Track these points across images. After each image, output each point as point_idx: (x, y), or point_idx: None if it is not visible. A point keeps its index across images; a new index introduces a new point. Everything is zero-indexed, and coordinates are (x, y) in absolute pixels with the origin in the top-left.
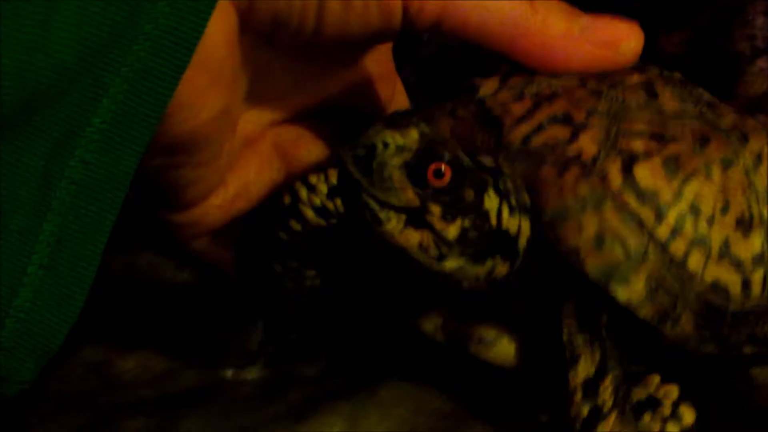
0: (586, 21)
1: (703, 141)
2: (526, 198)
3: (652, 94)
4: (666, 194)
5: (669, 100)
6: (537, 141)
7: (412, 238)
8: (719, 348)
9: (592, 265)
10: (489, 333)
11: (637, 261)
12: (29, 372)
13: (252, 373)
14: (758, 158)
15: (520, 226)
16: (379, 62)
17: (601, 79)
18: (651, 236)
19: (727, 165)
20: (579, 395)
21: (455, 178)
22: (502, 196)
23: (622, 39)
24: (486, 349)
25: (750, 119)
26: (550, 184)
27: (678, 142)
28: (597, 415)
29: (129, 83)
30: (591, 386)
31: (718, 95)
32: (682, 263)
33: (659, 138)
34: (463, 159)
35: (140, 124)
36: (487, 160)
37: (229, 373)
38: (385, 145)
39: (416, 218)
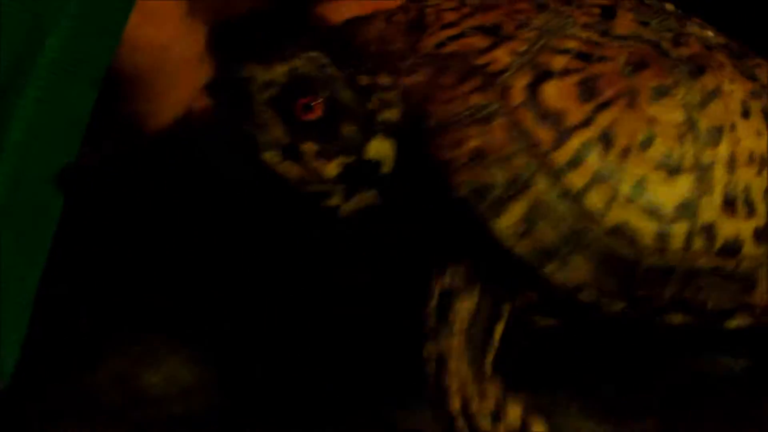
0: None
1: (638, 66)
2: (393, 114)
3: (608, 15)
4: (572, 117)
5: (625, 22)
6: (449, 48)
7: (291, 170)
8: (633, 308)
9: (462, 182)
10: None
11: (518, 185)
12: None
13: None
14: (710, 95)
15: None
16: None
17: None
18: (543, 161)
19: (659, 95)
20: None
21: (330, 113)
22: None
23: None
24: None
25: (725, 57)
26: (444, 92)
27: (605, 63)
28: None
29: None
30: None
31: None
32: (578, 198)
33: (586, 57)
34: (340, 93)
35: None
36: (384, 79)
37: None
38: (250, 80)
39: (292, 152)
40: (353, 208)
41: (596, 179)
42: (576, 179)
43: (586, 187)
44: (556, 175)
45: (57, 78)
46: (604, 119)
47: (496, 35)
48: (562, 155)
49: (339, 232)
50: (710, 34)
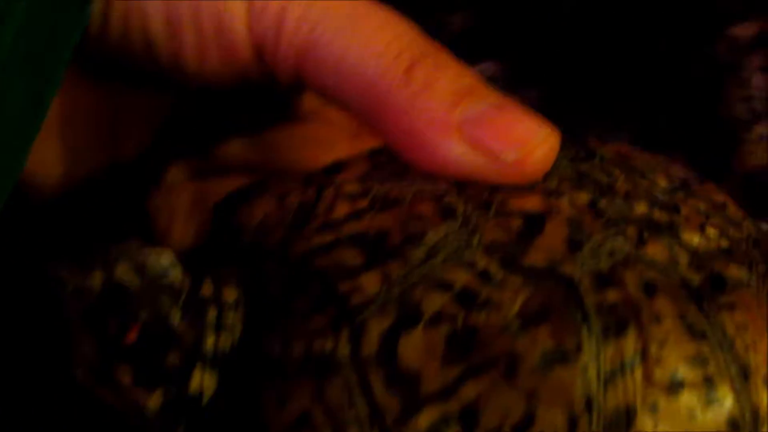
0: (476, 109)
1: (532, 318)
2: (226, 342)
3: (532, 229)
4: (429, 384)
5: (549, 243)
6: (319, 262)
7: (108, 396)
8: None
9: None
10: None
11: None
12: None
13: None
14: (623, 366)
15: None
16: None
17: (480, 194)
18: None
19: (548, 363)
20: None
21: (149, 339)
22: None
23: (509, 145)
24: None
25: (677, 300)
26: (289, 324)
27: (490, 312)
28: None
29: None
30: None
31: (715, 169)
32: None
33: (468, 299)
34: (166, 316)
35: None
36: (229, 294)
37: None
38: (62, 283)
39: (105, 375)
40: None
41: None
42: None
43: None
44: None
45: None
46: (469, 391)
47: (375, 251)
48: None
49: None
50: (694, 243)
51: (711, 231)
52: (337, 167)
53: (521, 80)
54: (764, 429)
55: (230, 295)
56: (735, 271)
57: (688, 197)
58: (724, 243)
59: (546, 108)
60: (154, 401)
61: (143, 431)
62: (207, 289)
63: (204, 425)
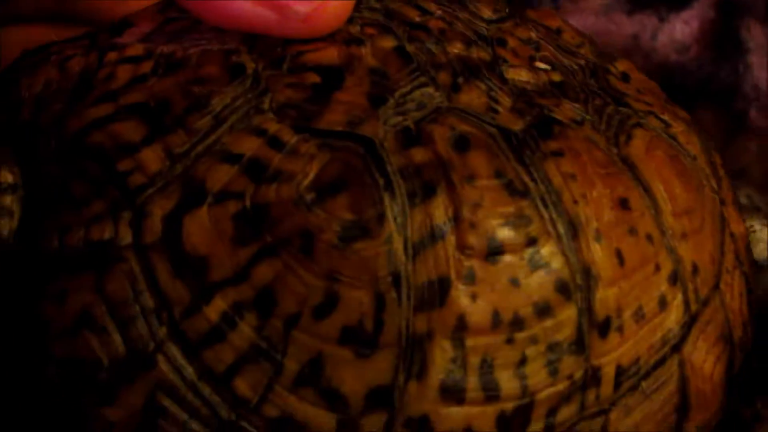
0: None
1: (329, 189)
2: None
3: (328, 86)
4: (218, 269)
5: (347, 97)
6: (96, 137)
7: None
8: None
9: (58, 358)
10: None
11: (137, 363)
12: None
13: None
14: (436, 231)
15: None
16: None
17: (272, 50)
18: (172, 330)
19: (346, 239)
20: None
21: None
22: None
23: None
24: None
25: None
26: (65, 213)
27: (281, 184)
28: None
29: None
30: None
31: None
32: (223, 381)
33: (258, 171)
34: None
35: None
36: (5, 175)
37: None
38: None
39: None
40: None
41: (248, 358)
42: (219, 357)
43: (234, 368)
44: (192, 350)
45: None
46: (262, 274)
47: (157, 121)
48: (200, 324)
49: None
50: (522, 79)
51: (541, 64)
52: (123, 26)
53: None
54: (598, 289)
55: (6, 176)
56: (567, 110)
57: (517, 26)
58: (556, 77)
59: None
60: None
61: None
62: None
63: None
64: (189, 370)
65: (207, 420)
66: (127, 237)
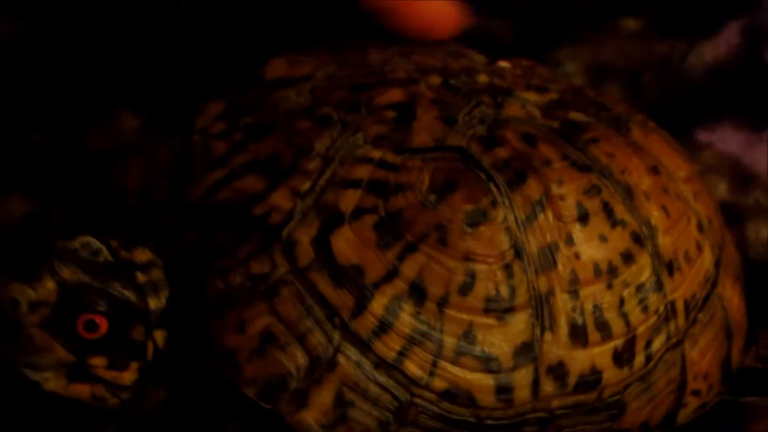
0: None
1: (444, 189)
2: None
3: (405, 116)
4: (373, 272)
5: (425, 124)
6: (222, 195)
7: (82, 391)
8: None
9: (252, 378)
10: None
11: (321, 367)
12: None
13: None
14: (536, 207)
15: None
16: None
17: (343, 101)
18: (346, 332)
19: (473, 223)
20: None
21: (115, 325)
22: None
23: None
24: None
25: (551, 144)
26: (219, 259)
27: (405, 194)
28: None
29: None
30: None
31: None
32: (395, 367)
33: (380, 189)
34: (123, 299)
35: None
36: (142, 254)
37: None
38: (15, 303)
39: (79, 371)
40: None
41: (413, 341)
42: (388, 346)
43: (403, 353)
44: (365, 345)
45: None
46: (410, 268)
47: (273, 172)
48: (367, 321)
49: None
50: (533, 99)
51: (538, 89)
52: (193, 113)
53: None
54: (659, 236)
55: (143, 255)
56: (577, 116)
57: (504, 67)
58: (554, 96)
59: None
60: (129, 377)
61: (121, 412)
62: (125, 256)
63: (166, 378)
64: (366, 363)
65: (388, 404)
66: (284, 265)
